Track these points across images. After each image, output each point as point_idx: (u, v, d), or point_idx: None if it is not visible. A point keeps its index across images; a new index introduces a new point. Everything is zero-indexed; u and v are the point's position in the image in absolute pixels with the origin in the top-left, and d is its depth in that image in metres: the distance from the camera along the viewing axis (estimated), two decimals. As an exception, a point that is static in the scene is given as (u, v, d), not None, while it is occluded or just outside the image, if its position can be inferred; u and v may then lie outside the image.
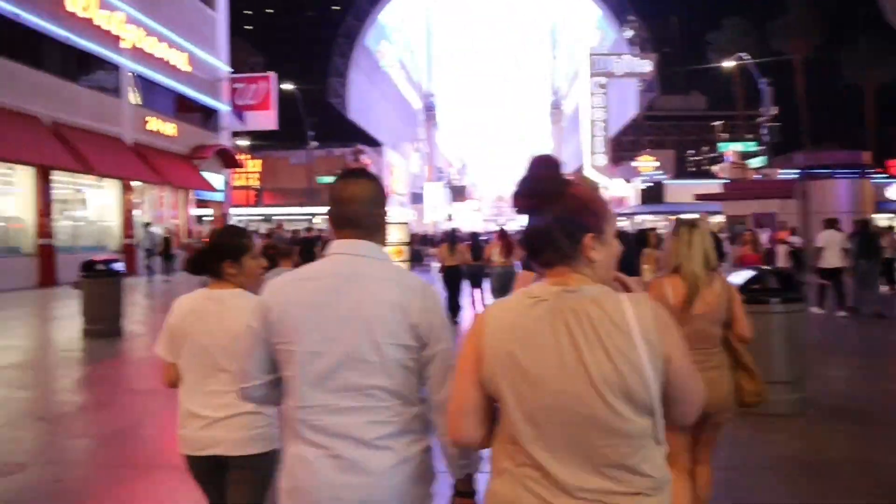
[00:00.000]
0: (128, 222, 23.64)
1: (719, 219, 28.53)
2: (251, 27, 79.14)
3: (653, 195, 44.51)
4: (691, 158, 79.86)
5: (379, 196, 1.95)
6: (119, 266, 11.12)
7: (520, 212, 1.64)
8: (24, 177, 19.57)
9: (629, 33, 50.20)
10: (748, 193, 28.01)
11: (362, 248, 1.87)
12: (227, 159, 31.91)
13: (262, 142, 47.53)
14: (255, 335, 1.88)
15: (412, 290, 1.83)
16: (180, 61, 27.37)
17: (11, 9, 18.59)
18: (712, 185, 33.93)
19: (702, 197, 30.99)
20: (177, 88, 27.65)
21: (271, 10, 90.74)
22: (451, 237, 13.53)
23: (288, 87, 37.17)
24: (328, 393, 1.77)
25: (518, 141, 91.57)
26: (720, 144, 52.27)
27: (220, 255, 2.60)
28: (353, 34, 52.90)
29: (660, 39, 51.64)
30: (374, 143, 55.78)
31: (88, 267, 10.72)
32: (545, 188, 1.60)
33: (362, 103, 55.53)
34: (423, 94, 57.94)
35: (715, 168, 44.47)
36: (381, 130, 59.87)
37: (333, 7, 66.68)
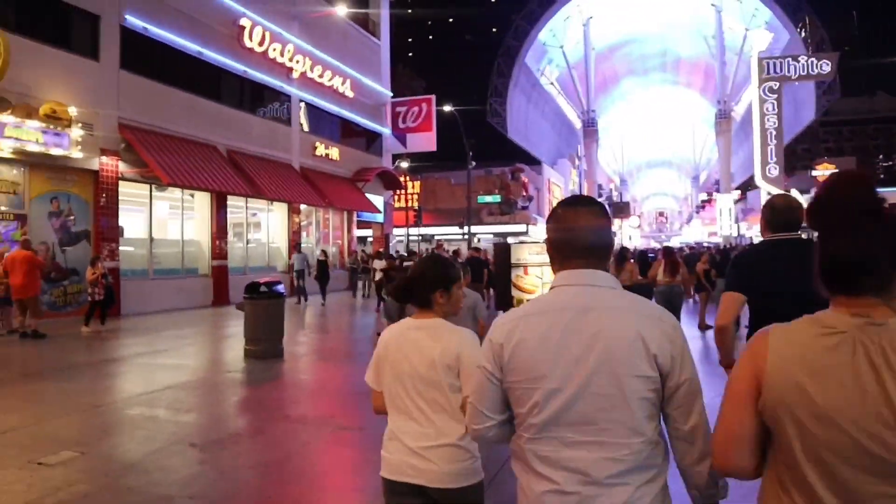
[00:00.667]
0: (293, 244, 24.70)
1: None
2: (412, 54, 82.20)
3: None
4: (882, 165, 72.97)
5: (608, 223, 1.91)
6: (281, 288, 11.38)
7: (822, 231, 1.50)
8: (201, 202, 20.98)
9: (803, 34, 46.64)
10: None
11: (593, 277, 1.83)
12: (389, 181, 32.79)
13: (423, 163, 48.60)
14: (488, 375, 1.87)
15: (650, 318, 1.76)
16: (345, 88, 28.45)
17: (195, 47, 20.06)
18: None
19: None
20: (342, 114, 28.79)
21: (431, 37, 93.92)
22: (620, 254, 12.80)
23: (447, 109, 37.76)
24: (564, 427, 1.74)
25: (680, 154, 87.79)
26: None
27: (432, 285, 2.64)
28: (512, 54, 53.07)
29: (836, 40, 47.45)
30: (533, 161, 55.55)
31: (251, 289, 11.06)
32: (862, 207, 1.44)
33: (521, 122, 55.55)
34: (582, 111, 56.88)
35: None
36: (541, 148, 59.55)
37: (493, 29, 67.59)
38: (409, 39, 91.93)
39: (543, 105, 61.17)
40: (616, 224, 66.05)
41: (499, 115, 52.72)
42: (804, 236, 3.50)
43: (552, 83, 59.30)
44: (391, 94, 33.47)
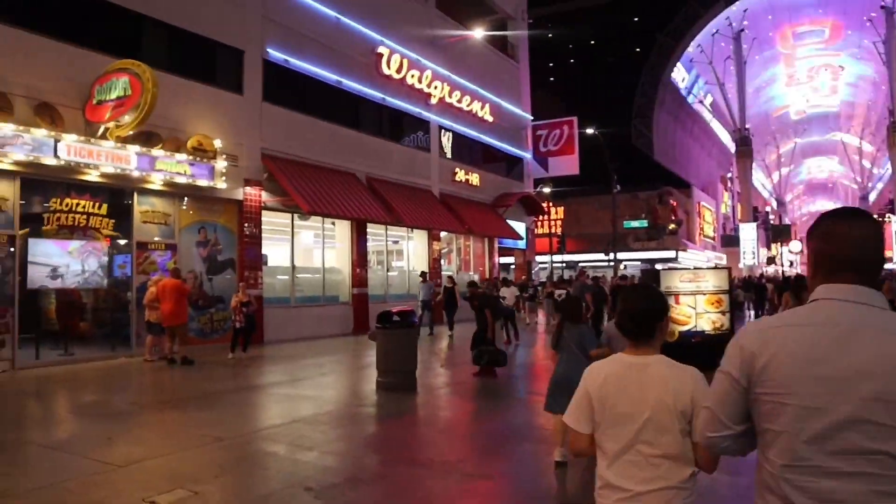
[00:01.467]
0: (434, 271, 24.28)
1: None
2: (553, 78, 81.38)
3: None
4: None
5: (882, 237, 1.78)
6: (415, 318, 10.73)
7: None
8: (342, 230, 21.00)
9: None
10: None
11: (865, 295, 1.69)
12: (531, 206, 31.89)
13: (565, 188, 47.52)
14: (734, 382, 1.79)
15: None
16: (484, 112, 27.98)
17: (334, 77, 20.24)
18: None
19: None
20: (481, 139, 28.29)
21: (573, 60, 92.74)
22: (797, 284, 11.21)
23: (589, 131, 36.52)
24: (826, 454, 1.62)
25: (844, 173, 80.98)
26: None
27: (658, 315, 2.50)
28: (656, 73, 51.05)
29: None
30: (682, 184, 53.04)
31: (384, 318, 10.46)
32: None
33: (668, 143, 53.28)
34: (734, 129, 53.67)
35: None
36: (690, 170, 56.85)
37: (636, 49, 65.60)
38: (550, 64, 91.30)
39: (692, 125, 58.34)
40: (775, 249, 61.74)
41: (644, 137, 50.73)
42: None
43: (701, 101, 56.43)
44: (531, 118, 32.68)
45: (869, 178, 77.39)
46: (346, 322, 20.26)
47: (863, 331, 1.64)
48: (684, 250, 47.75)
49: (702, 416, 1.93)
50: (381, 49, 22.19)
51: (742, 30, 52.02)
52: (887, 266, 50.89)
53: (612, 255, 38.96)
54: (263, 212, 17.90)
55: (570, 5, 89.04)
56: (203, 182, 15.78)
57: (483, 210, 27.84)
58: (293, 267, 19.33)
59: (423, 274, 21.08)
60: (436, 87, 24.82)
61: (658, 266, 31.86)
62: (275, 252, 19.62)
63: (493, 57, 29.91)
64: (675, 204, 48.48)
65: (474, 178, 27.57)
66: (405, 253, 24.99)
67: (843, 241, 1.73)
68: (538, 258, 39.31)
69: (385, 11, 22.66)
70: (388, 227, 22.74)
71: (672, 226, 46.37)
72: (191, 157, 15.39)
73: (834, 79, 60.46)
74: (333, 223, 20.75)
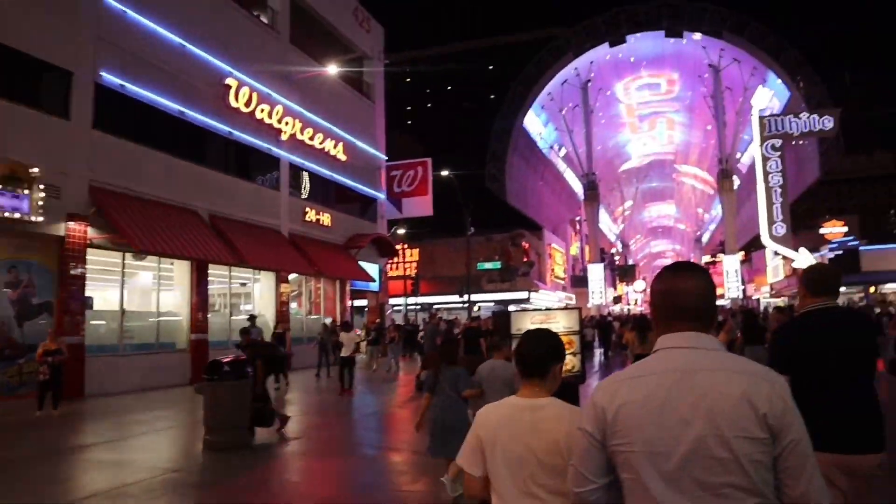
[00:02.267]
0: (281, 315, 23.13)
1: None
2: (411, 122, 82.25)
3: (845, 265, 40.46)
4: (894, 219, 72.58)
5: (713, 288, 1.92)
6: (248, 368, 9.80)
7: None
8: (181, 271, 19.54)
9: (802, 91, 46.22)
10: None
11: (696, 340, 1.83)
12: (384, 247, 31.39)
13: (420, 229, 47.58)
14: (590, 438, 1.86)
15: (757, 377, 1.76)
16: (338, 151, 27.33)
17: (177, 107, 18.97)
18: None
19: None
20: (334, 178, 27.55)
21: (430, 105, 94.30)
22: (640, 323, 11.30)
23: (444, 173, 36.76)
24: (681, 494, 1.70)
25: (682, 216, 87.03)
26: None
27: (553, 358, 2.55)
28: (509, 118, 52.58)
29: (833, 97, 46.89)
30: (534, 226, 54.56)
31: (213, 368, 9.47)
32: None
33: (521, 187, 54.69)
34: (583, 174, 56.17)
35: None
36: (542, 213, 58.58)
37: (491, 96, 67.53)
38: (409, 108, 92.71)
39: (543, 169, 60.40)
40: (621, 289, 64.79)
41: (497, 181, 51.77)
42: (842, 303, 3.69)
43: (552, 147, 58.71)
44: (386, 158, 32.37)
45: (702, 222, 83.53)
46: (182, 371, 18.66)
47: (697, 373, 1.75)
48: (536, 291, 48.89)
49: (569, 472, 1.97)
50: (229, 80, 21.14)
51: (589, 80, 54.75)
52: (722, 302, 54.62)
53: (466, 297, 39.15)
54: (90, 250, 16.25)
55: (431, 51, 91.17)
56: (15, 215, 14.08)
57: (335, 251, 27.02)
58: (122, 311, 17.63)
59: (251, 318, 17.56)
60: (287, 123, 23.95)
61: (511, 307, 32.17)
62: (103, 294, 17.90)
63: (348, 95, 29.45)
64: (527, 246, 49.67)
65: (326, 219, 26.73)
66: (253, 296, 23.70)
67: (679, 294, 1.87)
68: (392, 300, 38.85)
69: (235, 42, 21.67)
70: (233, 268, 21.46)
71: (524, 267, 47.42)
72: (0, 187, 13.70)
73: (670, 128, 64.79)
74: (172, 263, 19.26)
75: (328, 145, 26.63)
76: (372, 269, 29.66)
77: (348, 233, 28.54)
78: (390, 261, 35.20)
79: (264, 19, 24.42)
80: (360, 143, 29.30)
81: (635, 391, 1.78)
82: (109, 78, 16.90)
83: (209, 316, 20.25)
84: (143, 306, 19.15)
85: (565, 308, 13.79)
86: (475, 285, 42.42)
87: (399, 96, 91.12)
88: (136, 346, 17.96)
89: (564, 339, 11.55)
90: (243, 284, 23.45)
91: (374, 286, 30.24)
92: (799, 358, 3.41)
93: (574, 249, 69.34)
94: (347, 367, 16.32)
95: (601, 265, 57.46)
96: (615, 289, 65.36)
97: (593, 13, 51.68)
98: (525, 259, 48.10)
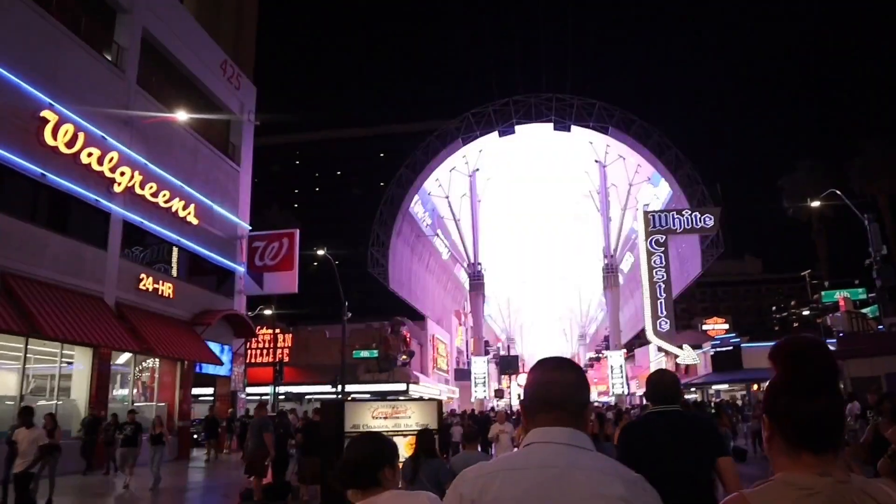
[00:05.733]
0: (95, 400, 18.88)
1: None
2: (297, 205, 79.30)
3: (727, 361, 41.20)
4: (777, 317, 75.11)
5: (585, 381, 1.89)
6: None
7: (796, 391, 1.52)
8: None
9: (685, 191, 47.02)
10: (872, 349, 23.75)
11: (570, 436, 1.76)
12: (239, 327, 27.50)
13: (295, 311, 44.03)
14: None
15: (633, 483, 1.70)
16: (188, 213, 23.79)
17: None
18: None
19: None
20: (181, 242, 23.85)
21: (318, 189, 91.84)
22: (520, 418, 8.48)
23: (321, 252, 33.71)
24: None
25: (567, 311, 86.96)
26: (825, 293, 47.14)
27: (379, 463, 2.43)
28: (395, 202, 50.58)
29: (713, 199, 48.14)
30: (416, 315, 52.06)
31: None
32: (832, 371, 1.52)
33: (405, 273, 52.35)
34: (469, 264, 54.44)
35: (828, 320, 39.54)
36: (425, 302, 56.28)
37: (380, 183, 65.69)
38: (296, 191, 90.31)
39: (428, 257, 58.39)
40: (504, 382, 62.60)
41: (380, 266, 49.16)
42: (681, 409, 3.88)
43: (437, 234, 56.89)
44: (249, 228, 28.96)
45: (587, 317, 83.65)
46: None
47: (577, 472, 1.68)
48: (416, 382, 45.75)
49: None
50: (45, 113, 17.57)
51: (477, 169, 53.85)
52: (605, 399, 53.16)
53: (339, 388, 35.62)
54: None
55: (320, 135, 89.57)
56: None
57: (176, 327, 22.99)
58: None
59: (25, 410, 11.63)
60: (122, 174, 20.35)
61: (385, 398, 28.89)
62: None
63: (208, 154, 26.20)
64: (407, 334, 46.85)
65: (167, 289, 22.81)
66: (75, 378, 19.38)
67: (545, 383, 1.83)
68: (260, 389, 34.73)
69: (63, 73, 18.33)
70: (38, 343, 17.32)
71: (403, 356, 44.38)
72: None
73: (549, 222, 64.64)
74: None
75: (176, 205, 23.06)
76: (225, 350, 25.69)
77: (196, 307, 24.65)
78: (253, 345, 31.22)
79: (108, 56, 21.14)
80: (217, 208, 25.90)
81: (509, 486, 1.67)
82: None
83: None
84: None
85: (419, 399, 10.96)
86: (351, 375, 38.94)
87: (289, 177, 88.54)
88: None
89: (405, 441, 8.45)
90: (69, 364, 19.15)
91: (223, 370, 26.14)
92: (642, 457, 3.41)
93: (459, 341, 66.91)
94: (23, 487, 10.49)
95: (485, 358, 55.17)
96: (500, 382, 63.04)
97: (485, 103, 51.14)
98: (404, 348, 45.02)
